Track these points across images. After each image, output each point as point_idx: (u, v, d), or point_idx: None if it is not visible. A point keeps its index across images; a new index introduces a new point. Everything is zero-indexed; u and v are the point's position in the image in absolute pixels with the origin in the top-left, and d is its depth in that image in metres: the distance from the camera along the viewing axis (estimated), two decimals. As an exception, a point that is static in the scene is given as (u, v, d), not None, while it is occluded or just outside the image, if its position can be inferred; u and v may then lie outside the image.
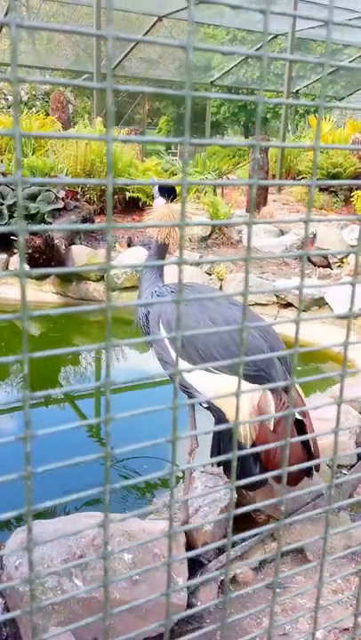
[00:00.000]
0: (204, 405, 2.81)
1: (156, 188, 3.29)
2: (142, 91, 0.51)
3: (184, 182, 0.53)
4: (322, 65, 0.66)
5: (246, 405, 2.57)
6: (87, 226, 0.55)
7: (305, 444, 2.68)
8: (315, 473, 3.09)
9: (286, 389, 2.66)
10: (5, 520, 2.63)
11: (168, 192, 3.21)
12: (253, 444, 2.56)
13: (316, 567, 0.97)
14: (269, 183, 0.61)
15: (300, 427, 2.69)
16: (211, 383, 2.64)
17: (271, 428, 2.60)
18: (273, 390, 2.64)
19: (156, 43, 0.51)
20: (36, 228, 0.52)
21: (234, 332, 2.65)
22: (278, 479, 2.64)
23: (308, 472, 2.73)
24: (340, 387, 0.74)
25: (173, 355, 2.80)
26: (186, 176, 0.53)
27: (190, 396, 2.74)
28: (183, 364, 2.73)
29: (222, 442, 2.76)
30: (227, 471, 2.90)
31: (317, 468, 2.75)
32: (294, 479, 2.68)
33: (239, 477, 2.77)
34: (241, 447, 2.59)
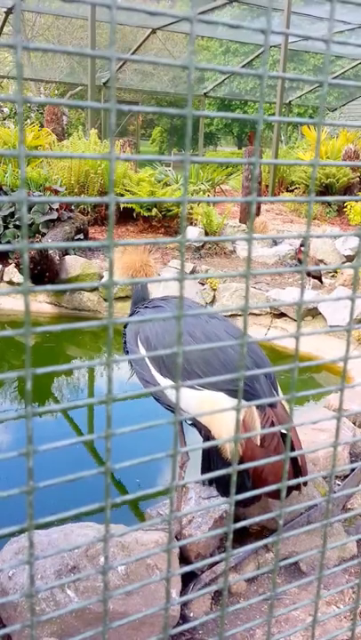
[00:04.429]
0: (189, 422, 2.79)
1: None
2: (145, 111, 0.51)
3: (184, 199, 0.54)
4: (317, 82, 0.66)
5: (232, 421, 2.55)
6: (89, 243, 0.55)
7: (292, 457, 2.65)
8: (310, 484, 3.09)
9: (272, 404, 2.65)
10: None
11: None
12: (241, 460, 2.54)
13: (311, 580, 0.97)
14: (268, 199, 0.62)
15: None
16: (193, 400, 2.62)
17: (258, 443, 2.59)
18: (257, 405, 2.61)
19: (158, 63, 0.52)
20: (38, 245, 0.52)
21: (216, 348, 2.64)
22: (270, 494, 2.63)
23: (297, 486, 2.72)
24: (340, 400, 0.74)
25: (154, 372, 2.78)
26: (186, 193, 0.53)
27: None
28: (165, 382, 2.71)
29: (212, 458, 2.73)
30: (219, 489, 2.86)
31: (305, 482, 2.74)
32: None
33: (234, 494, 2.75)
34: (229, 463, 2.58)
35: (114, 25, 0.45)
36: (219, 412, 2.28)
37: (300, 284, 0.65)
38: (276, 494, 2.67)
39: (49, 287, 0.52)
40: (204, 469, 2.79)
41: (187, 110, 0.50)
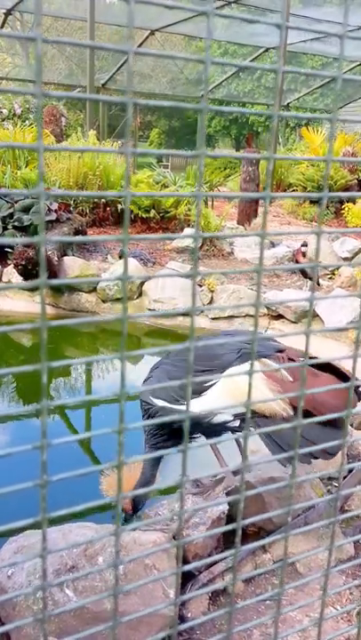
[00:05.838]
0: (235, 424, 2.75)
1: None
2: (161, 105, 0.52)
3: (199, 194, 0.54)
4: (325, 78, 0.67)
5: (260, 383, 2.54)
6: (105, 237, 0.55)
7: (343, 379, 2.60)
8: (307, 485, 3.10)
9: (280, 350, 2.70)
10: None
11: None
12: (295, 409, 2.53)
13: (308, 580, 0.98)
14: (282, 195, 0.62)
15: (329, 368, 2.64)
16: (218, 391, 2.62)
17: (291, 379, 2.58)
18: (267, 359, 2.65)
19: (176, 57, 0.52)
20: (55, 239, 0.52)
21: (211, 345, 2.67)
22: (332, 420, 2.58)
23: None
24: (349, 399, 0.75)
25: (175, 407, 2.76)
26: (201, 188, 0.54)
27: (210, 433, 2.69)
28: (183, 407, 2.69)
29: (277, 438, 2.63)
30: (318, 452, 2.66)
31: None
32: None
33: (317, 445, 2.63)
34: (287, 420, 2.55)
35: (131, 19, 0.45)
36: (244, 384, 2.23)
37: (312, 280, 0.66)
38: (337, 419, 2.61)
39: (65, 281, 0.53)
40: (279, 452, 2.63)
41: (202, 105, 0.50)
